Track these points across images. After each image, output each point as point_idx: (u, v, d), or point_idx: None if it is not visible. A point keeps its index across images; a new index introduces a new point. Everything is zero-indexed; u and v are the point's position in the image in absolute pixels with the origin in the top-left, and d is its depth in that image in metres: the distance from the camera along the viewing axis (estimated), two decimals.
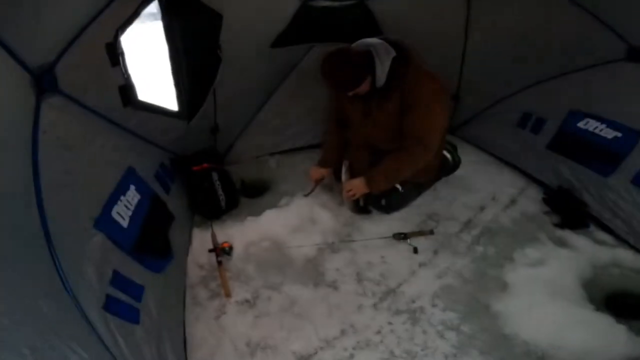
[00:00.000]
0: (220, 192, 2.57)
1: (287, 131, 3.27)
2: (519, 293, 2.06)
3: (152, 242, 1.78)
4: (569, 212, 2.48)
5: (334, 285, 2.19)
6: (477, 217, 2.56)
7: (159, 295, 1.72)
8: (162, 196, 2.16)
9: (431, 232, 2.41)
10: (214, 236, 2.34)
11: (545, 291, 2.04)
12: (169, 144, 2.54)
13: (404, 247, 2.38)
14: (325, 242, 2.44)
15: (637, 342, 1.78)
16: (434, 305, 2.05)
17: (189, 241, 2.43)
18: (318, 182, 2.68)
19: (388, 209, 2.58)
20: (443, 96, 2.27)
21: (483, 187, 2.79)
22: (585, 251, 2.25)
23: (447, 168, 2.71)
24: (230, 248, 2.33)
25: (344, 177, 2.52)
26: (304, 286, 2.19)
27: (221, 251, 2.29)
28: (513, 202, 2.67)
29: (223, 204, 2.61)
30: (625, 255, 2.21)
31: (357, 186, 2.41)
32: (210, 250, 2.30)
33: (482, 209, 2.63)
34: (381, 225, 2.53)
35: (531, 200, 2.68)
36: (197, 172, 2.46)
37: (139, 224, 1.75)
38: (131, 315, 1.50)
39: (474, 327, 1.94)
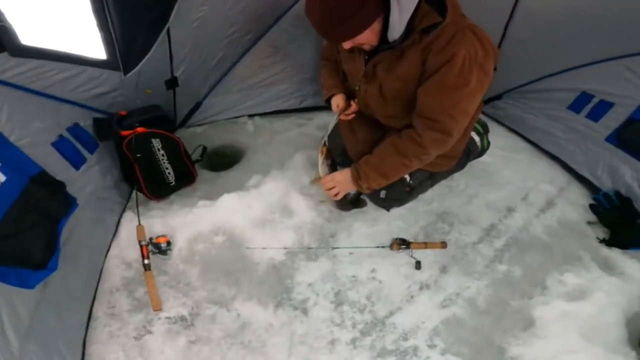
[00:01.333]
0: (165, 164, 2.15)
1: (271, 90, 2.82)
2: (546, 334, 1.68)
3: (17, 246, 1.30)
4: (622, 226, 2.05)
5: (302, 308, 1.80)
6: (502, 223, 2.12)
7: (25, 317, 1.35)
8: (62, 173, 1.71)
9: (444, 245, 1.97)
10: (140, 230, 1.90)
11: (580, 333, 1.67)
12: (92, 101, 2.04)
13: (403, 259, 1.96)
14: (299, 246, 2.02)
15: None
16: (431, 346, 1.67)
17: (114, 230, 2.01)
18: (343, 111, 2.05)
19: (389, 203, 2.14)
20: (485, 68, 1.59)
21: (513, 182, 2.33)
22: (637, 280, 1.85)
23: (473, 155, 2.22)
24: (168, 244, 1.91)
25: (321, 168, 2.02)
26: (262, 306, 1.80)
27: (154, 248, 1.87)
28: (550, 204, 2.22)
29: (171, 178, 2.20)
30: None
31: (341, 183, 1.93)
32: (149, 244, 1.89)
33: (509, 211, 2.19)
34: (377, 225, 2.11)
35: (573, 205, 2.23)
36: (127, 139, 1.94)
37: None
38: None
39: None
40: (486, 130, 2.22)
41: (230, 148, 2.66)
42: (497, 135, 2.54)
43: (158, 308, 1.72)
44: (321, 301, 1.79)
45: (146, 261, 1.81)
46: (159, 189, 2.18)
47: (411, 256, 1.91)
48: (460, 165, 2.19)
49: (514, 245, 2.00)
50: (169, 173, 2.16)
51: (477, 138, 2.17)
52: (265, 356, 1.61)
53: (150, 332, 1.68)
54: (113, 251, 1.92)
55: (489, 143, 2.24)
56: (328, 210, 2.15)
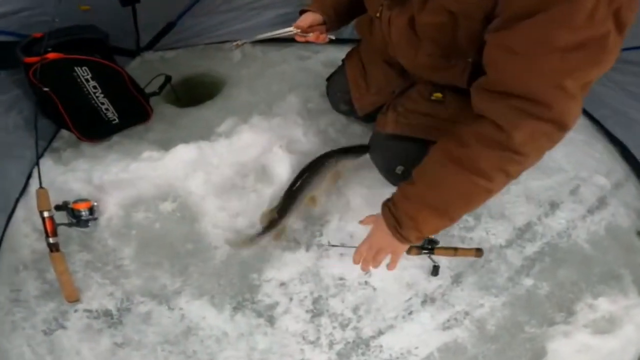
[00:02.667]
0: (99, 98, 1.83)
1: (267, 14, 2.40)
2: None
3: None
4: None
5: (268, 316, 1.53)
6: (541, 222, 1.80)
7: None
8: None
9: (479, 254, 1.59)
10: (41, 196, 1.51)
11: None
12: None
13: (411, 259, 1.61)
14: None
15: None
16: None
17: (22, 184, 1.68)
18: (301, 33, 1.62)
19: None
20: (623, 18, 0.95)
21: (564, 168, 1.97)
22: None
23: None
24: (91, 211, 1.56)
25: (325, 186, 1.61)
26: (216, 307, 1.53)
27: (71, 217, 1.53)
28: (602, 203, 1.89)
29: (112, 115, 1.89)
30: None
31: (382, 244, 1.31)
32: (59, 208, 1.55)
33: (553, 207, 1.85)
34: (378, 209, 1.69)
35: (626, 207, 1.90)
36: (33, 67, 1.61)
37: None
38: None
39: None
40: None
41: (207, 78, 2.30)
42: None
43: (73, 299, 1.47)
44: (294, 309, 1.53)
45: (52, 239, 1.47)
46: (93, 129, 1.87)
47: (430, 257, 1.58)
48: None
49: (549, 254, 1.71)
50: (106, 109, 1.85)
51: None
52: None
53: (63, 327, 1.46)
54: (20, 213, 1.63)
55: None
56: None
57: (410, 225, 1.17)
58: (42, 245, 1.54)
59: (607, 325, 1.55)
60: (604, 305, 1.60)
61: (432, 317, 1.54)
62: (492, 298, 1.59)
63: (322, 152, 1.80)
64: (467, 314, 1.56)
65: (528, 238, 1.75)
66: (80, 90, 1.78)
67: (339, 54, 2.13)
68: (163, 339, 1.44)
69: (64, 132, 1.91)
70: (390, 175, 1.67)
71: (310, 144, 1.85)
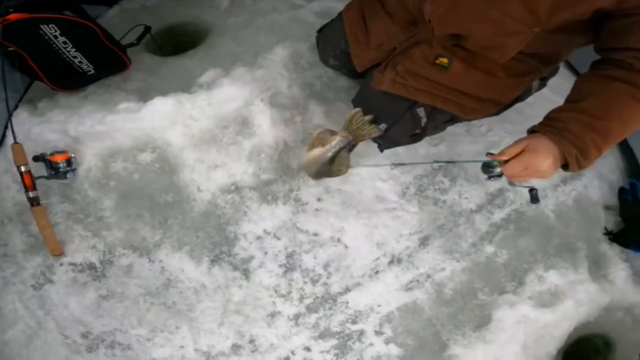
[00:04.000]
0: (70, 52, 1.72)
1: None
2: (493, 340, 1.67)
3: None
4: (638, 224, 1.88)
5: (244, 269, 1.65)
6: (513, 189, 1.85)
7: None
8: None
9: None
10: (17, 151, 1.48)
11: (524, 343, 1.67)
12: None
13: (382, 218, 1.71)
14: (252, 177, 1.68)
15: None
16: (378, 333, 1.65)
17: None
18: None
19: (385, 142, 1.69)
20: None
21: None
22: (614, 291, 1.79)
23: (520, 101, 1.71)
24: (69, 163, 1.55)
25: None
26: (195, 260, 1.63)
27: (49, 169, 1.52)
28: (577, 174, 1.93)
29: (87, 67, 1.79)
30: None
31: (548, 169, 1.21)
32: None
33: None
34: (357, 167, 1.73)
35: (601, 180, 1.95)
36: None
37: None
38: None
39: None
40: (553, 74, 1.70)
41: (190, 27, 2.18)
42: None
43: (57, 253, 1.54)
44: (268, 263, 1.65)
45: (31, 193, 1.48)
46: (68, 80, 1.77)
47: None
48: (497, 112, 1.70)
49: (514, 221, 1.80)
50: (79, 62, 1.74)
51: (535, 84, 1.64)
52: (192, 323, 1.57)
53: (51, 281, 1.56)
54: (0, 165, 1.59)
55: (544, 85, 1.73)
56: (302, 126, 1.75)
57: (595, 155, 1.19)
58: (25, 197, 1.53)
59: (549, 299, 1.71)
60: (553, 278, 1.74)
61: (397, 278, 1.69)
62: (453, 263, 1.72)
63: (306, 105, 1.78)
64: (429, 276, 1.70)
65: (498, 204, 1.82)
66: (49, 46, 1.65)
67: (333, 3, 2.02)
68: (145, 291, 1.57)
69: (40, 82, 1.80)
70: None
71: (294, 98, 1.78)
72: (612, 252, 1.86)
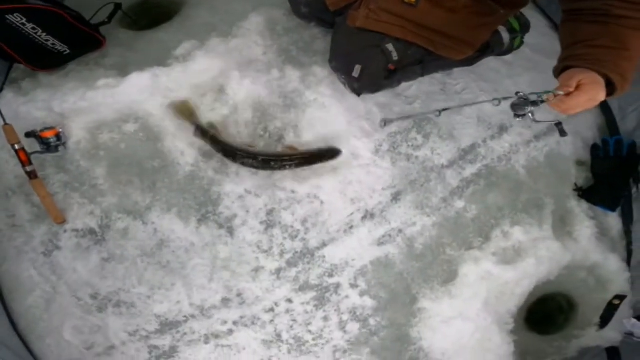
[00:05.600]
0: (42, 36, 1.79)
1: None
2: (458, 295, 1.85)
3: None
4: (607, 181, 1.99)
5: (228, 227, 1.82)
6: (486, 145, 1.94)
7: None
8: None
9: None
10: (8, 131, 1.62)
11: (485, 300, 1.84)
12: None
13: (356, 174, 1.83)
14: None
15: None
16: (353, 286, 1.85)
17: None
18: None
19: (361, 85, 1.79)
20: None
21: (526, 90, 1.90)
22: (577, 249, 1.91)
23: (492, 54, 1.85)
24: (58, 138, 1.69)
25: None
26: (183, 220, 1.81)
27: (41, 145, 1.67)
28: (551, 129, 1.98)
29: (62, 48, 1.87)
30: (607, 263, 1.95)
31: (602, 97, 1.32)
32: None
33: (501, 130, 1.96)
34: (333, 125, 1.83)
35: (575, 136, 2.02)
36: None
37: None
38: None
39: (384, 321, 1.87)
40: (525, 29, 1.80)
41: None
42: (535, 31, 1.98)
43: (60, 221, 1.72)
44: (250, 220, 1.81)
45: (28, 168, 1.64)
46: (46, 60, 1.85)
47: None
48: (467, 61, 1.83)
49: (484, 177, 1.91)
50: (52, 44, 1.80)
51: (505, 35, 1.77)
52: (185, 280, 1.77)
53: (58, 248, 1.75)
54: None
55: (521, 44, 1.83)
56: (278, 92, 1.83)
57: (630, 78, 1.32)
58: (21, 171, 1.68)
59: (512, 256, 1.85)
60: (517, 234, 1.87)
61: (370, 233, 1.84)
62: (424, 218, 1.86)
63: (282, 70, 1.84)
64: (400, 231, 1.85)
65: (470, 159, 1.92)
66: (20, 33, 1.71)
67: None
68: (141, 252, 1.76)
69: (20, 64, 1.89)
70: (348, 78, 1.78)
71: (270, 64, 1.84)
72: (580, 209, 1.97)
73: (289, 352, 1.83)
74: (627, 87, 1.30)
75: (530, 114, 1.41)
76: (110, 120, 1.76)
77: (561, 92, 1.22)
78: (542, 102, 1.30)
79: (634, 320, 1.92)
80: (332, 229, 1.83)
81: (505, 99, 1.47)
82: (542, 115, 1.42)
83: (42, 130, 1.66)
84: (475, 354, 1.87)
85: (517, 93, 1.39)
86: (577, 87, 1.22)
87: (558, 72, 1.32)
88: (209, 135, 1.74)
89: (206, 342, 1.81)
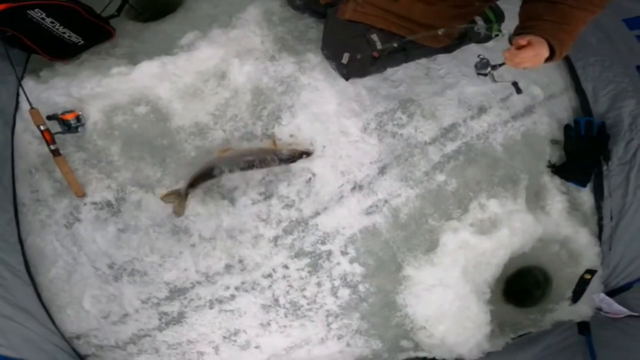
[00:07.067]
0: (59, 29, 1.98)
1: None
2: (438, 263, 2.05)
3: None
4: (579, 158, 2.17)
5: (230, 198, 2.04)
6: (465, 124, 2.14)
7: None
8: None
9: None
10: (34, 115, 1.84)
11: (463, 268, 2.03)
12: None
13: (346, 149, 2.04)
14: (237, 121, 2.01)
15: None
16: (344, 253, 2.05)
17: (14, 103, 1.96)
18: None
19: (349, 70, 2.01)
20: None
21: (503, 76, 2.10)
22: (549, 222, 2.10)
23: (470, 42, 2.05)
24: (78, 119, 1.91)
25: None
26: (191, 192, 2.00)
27: (62, 126, 1.89)
28: (527, 111, 2.19)
29: (77, 39, 2.07)
30: (579, 237, 2.12)
31: (545, 56, 1.63)
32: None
33: (480, 111, 2.16)
34: (327, 104, 2.03)
35: (550, 117, 2.22)
36: None
37: None
38: None
39: (372, 288, 2.06)
40: (500, 19, 1.97)
41: None
42: (513, 21, 2.14)
43: (81, 194, 1.93)
44: (251, 191, 2.01)
45: (52, 147, 1.86)
46: (62, 51, 2.04)
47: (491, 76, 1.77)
48: (447, 48, 2.03)
49: (464, 153, 2.11)
50: (69, 36, 1.98)
51: (481, 24, 1.94)
52: (192, 248, 1.99)
53: (79, 220, 1.96)
54: (19, 125, 1.95)
55: (499, 32, 1.96)
56: (275, 77, 2.03)
57: (567, 47, 1.61)
58: (45, 149, 1.91)
59: (488, 227, 2.04)
60: (493, 207, 2.06)
61: (358, 203, 2.04)
62: (408, 189, 2.06)
63: (278, 57, 2.05)
64: (386, 202, 2.05)
65: (450, 137, 2.12)
66: (40, 27, 1.91)
67: None
68: (153, 222, 1.97)
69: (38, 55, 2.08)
70: (338, 64, 1.98)
71: (267, 51, 2.05)
72: (552, 184, 2.16)
73: (286, 315, 2.04)
74: (564, 52, 1.61)
75: (490, 73, 1.72)
76: (124, 103, 1.98)
77: (522, 43, 1.51)
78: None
79: (603, 295, 2.08)
80: (324, 199, 2.02)
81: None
82: (500, 76, 1.74)
83: (62, 113, 1.88)
84: (455, 321, 2.05)
85: (479, 56, 1.71)
86: (529, 44, 1.51)
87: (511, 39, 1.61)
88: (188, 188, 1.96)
89: (211, 307, 2.02)
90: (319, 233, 2.02)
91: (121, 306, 2.03)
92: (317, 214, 2.02)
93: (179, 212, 1.96)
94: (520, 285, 2.29)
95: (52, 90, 1.96)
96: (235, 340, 2.06)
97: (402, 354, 2.15)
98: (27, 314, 1.90)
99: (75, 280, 2.00)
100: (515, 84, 1.79)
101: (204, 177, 1.95)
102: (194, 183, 1.95)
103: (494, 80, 1.74)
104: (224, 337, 2.06)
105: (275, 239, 2.00)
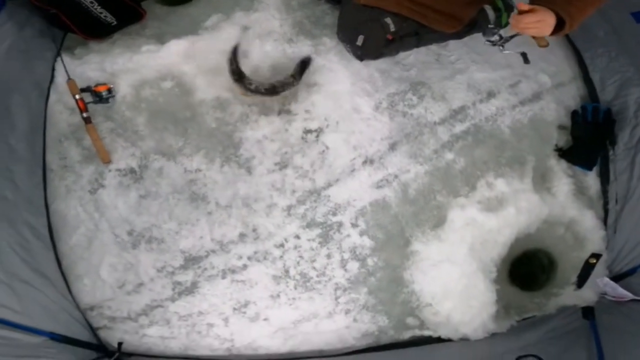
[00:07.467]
0: (97, 9, 2.11)
1: None
2: (446, 239, 2.13)
3: None
4: (585, 143, 2.24)
5: (247, 167, 2.15)
6: (474, 107, 2.25)
7: None
8: None
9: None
10: (72, 85, 1.99)
11: (470, 245, 2.10)
12: None
13: (359, 124, 2.15)
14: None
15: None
16: (354, 225, 2.14)
17: (49, 77, 2.10)
18: None
19: (364, 52, 2.11)
20: None
21: (513, 65, 2.29)
22: (554, 204, 2.16)
23: (480, 30, 2.09)
24: (109, 91, 2.06)
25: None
26: (209, 160, 2.14)
27: (94, 97, 2.03)
28: (535, 97, 2.28)
29: (111, 19, 2.19)
30: (584, 219, 2.18)
31: (551, 27, 1.69)
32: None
33: (489, 96, 2.27)
34: (340, 84, 2.16)
35: (558, 104, 2.30)
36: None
37: None
38: None
39: (380, 262, 2.14)
40: (509, 8, 2.02)
41: None
42: None
43: (107, 160, 2.05)
44: (267, 161, 2.13)
45: (85, 114, 2.00)
46: (97, 30, 2.16)
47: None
48: (457, 34, 2.11)
49: (472, 134, 2.21)
50: (105, 16, 2.12)
51: (490, 13, 1.98)
52: (209, 216, 2.09)
53: (102, 186, 2.07)
54: (53, 97, 2.08)
55: (507, 22, 2.08)
56: (292, 62, 2.14)
57: (577, 22, 1.65)
58: (75, 119, 2.06)
59: (495, 205, 2.12)
60: (500, 186, 2.14)
61: (369, 176, 2.14)
62: (417, 166, 2.16)
63: (296, 40, 2.19)
64: (396, 176, 2.15)
65: (459, 119, 2.22)
66: (80, 6, 2.04)
67: None
68: (173, 189, 2.08)
69: (72, 34, 2.20)
70: (353, 46, 2.08)
71: (285, 34, 2.19)
72: (559, 167, 2.23)
73: (295, 287, 2.12)
74: (574, 26, 1.65)
75: (499, 44, 1.84)
76: (151, 78, 2.12)
77: (524, 9, 1.59)
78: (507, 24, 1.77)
79: (607, 279, 2.12)
80: (336, 171, 2.12)
81: None
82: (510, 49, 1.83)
83: (96, 85, 2.02)
84: (461, 299, 2.11)
85: (489, 25, 1.83)
86: (533, 10, 1.59)
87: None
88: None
89: (223, 277, 2.10)
90: (331, 204, 2.11)
91: (137, 275, 2.11)
92: (330, 185, 2.12)
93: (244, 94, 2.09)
94: (526, 269, 2.32)
95: (87, 65, 2.10)
96: (244, 312, 2.13)
97: (407, 332, 2.18)
98: (46, 280, 1.97)
99: (95, 247, 2.09)
100: (523, 54, 1.87)
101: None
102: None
103: (503, 50, 1.84)
104: (234, 309, 2.13)
105: (289, 208, 2.09)
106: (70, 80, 2.00)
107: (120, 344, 2.13)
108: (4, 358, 1.66)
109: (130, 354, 2.18)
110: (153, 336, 2.16)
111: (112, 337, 2.14)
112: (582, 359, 1.88)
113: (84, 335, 2.09)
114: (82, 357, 2.01)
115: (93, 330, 2.15)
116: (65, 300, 2.07)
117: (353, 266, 2.11)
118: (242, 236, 2.08)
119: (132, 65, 2.10)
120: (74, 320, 2.07)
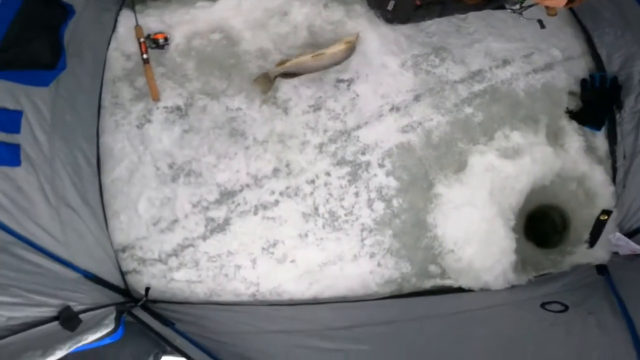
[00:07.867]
0: None
1: None
2: (467, 182, 2.27)
3: (25, 55, 1.74)
4: (594, 105, 2.41)
5: (284, 108, 2.33)
6: (491, 71, 2.45)
7: (47, 114, 1.87)
8: None
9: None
10: (138, 30, 2.27)
11: (490, 190, 2.24)
12: None
13: (385, 78, 2.35)
14: (294, 48, 2.33)
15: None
16: (381, 165, 2.30)
17: (112, 27, 2.35)
18: None
19: (393, 16, 2.37)
20: None
21: (526, 39, 2.51)
22: (567, 158, 2.31)
23: (497, 5, 2.33)
24: (166, 39, 2.32)
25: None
26: (249, 101, 2.33)
27: (152, 43, 2.29)
28: (547, 67, 2.48)
29: None
30: (594, 175, 2.31)
31: None
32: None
33: (504, 63, 2.47)
34: (371, 44, 2.37)
35: (568, 74, 2.50)
36: None
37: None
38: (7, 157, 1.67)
39: (405, 204, 2.27)
40: None
41: None
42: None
43: (157, 98, 2.26)
44: (302, 104, 2.32)
45: (145, 56, 2.25)
46: None
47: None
48: (478, 7, 2.32)
49: (489, 93, 2.39)
50: None
51: None
52: (245, 151, 2.26)
53: (150, 121, 2.27)
54: (112, 45, 2.33)
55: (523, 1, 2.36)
56: (327, 23, 2.39)
57: None
58: (130, 65, 2.31)
59: (512, 153, 2.28)
60: (516, 138, 2.30)
61: (395, 122, 2.31)
62: (439, 116, 2.33)
63: (330, 5, 2.40)
64: (420, 123, 2.32)
65: (477, 80, 2.41)
66: None
67: None
68: (214, 125, 2.26)
69: None
70: (383, 11, 2.34)
71: (322, 0, 2.40)
72: (570, 127, 2.38)
73: (323, 227, 2.24)
74: None
75: (519, 12, 2.00)
76: (203, 30, 2.36)
77: None
78: None
79: (619, 234, 2.22)
80: (365, 114, 2.31)
81: None
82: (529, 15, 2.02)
83: (155, 34, 2.29)
84: (482, 244, 2.23)
85: None
86: None
87: None
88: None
89: (255, 213, 2.24)
90: (360, 144, 2.28)
91: (172, 211, 2.26)
92: (359, 127, 2.29)
93: (264, 90, 2.27)
94: (540, 228, 2.44)
95: (147, 18, 2.34)
96: (272, 253, 2.25)
97: (429, 281, 2.28)
98: (89, 210, 2.11)
99: (136, 180, 2.25)
100: (540, 21, 2.10)
101: (288, 74, 2.26)
102: (280, 74, 2.25)
103: (521, 16, 2.03)
104: (263, 249, 2.25)
105: (321, 145, 2.26)
106: (137, 26, 2.28)
107: (147, 289, 2.22)
108: (45, 288, 1.74)
109: (155, 301, 2.26)
110: (180, 280, 2.27)
111: (139, 282, 2.25)
112: (604, 306, 1.94)
113: (114, 279, 2.20)
114: (110, 298, 2.09)
115: (122, 274, 2.25)
116: (103, 234, 2.20)
117: (379, 206, 2.24)
118: (275, 171, 2.23)
119: (188, 17, 2.35)
120: (107, 259, 2.19)
